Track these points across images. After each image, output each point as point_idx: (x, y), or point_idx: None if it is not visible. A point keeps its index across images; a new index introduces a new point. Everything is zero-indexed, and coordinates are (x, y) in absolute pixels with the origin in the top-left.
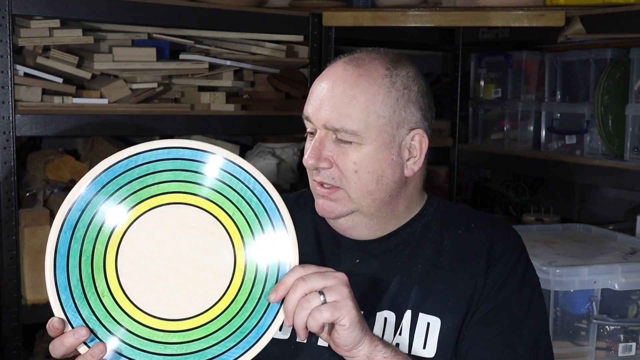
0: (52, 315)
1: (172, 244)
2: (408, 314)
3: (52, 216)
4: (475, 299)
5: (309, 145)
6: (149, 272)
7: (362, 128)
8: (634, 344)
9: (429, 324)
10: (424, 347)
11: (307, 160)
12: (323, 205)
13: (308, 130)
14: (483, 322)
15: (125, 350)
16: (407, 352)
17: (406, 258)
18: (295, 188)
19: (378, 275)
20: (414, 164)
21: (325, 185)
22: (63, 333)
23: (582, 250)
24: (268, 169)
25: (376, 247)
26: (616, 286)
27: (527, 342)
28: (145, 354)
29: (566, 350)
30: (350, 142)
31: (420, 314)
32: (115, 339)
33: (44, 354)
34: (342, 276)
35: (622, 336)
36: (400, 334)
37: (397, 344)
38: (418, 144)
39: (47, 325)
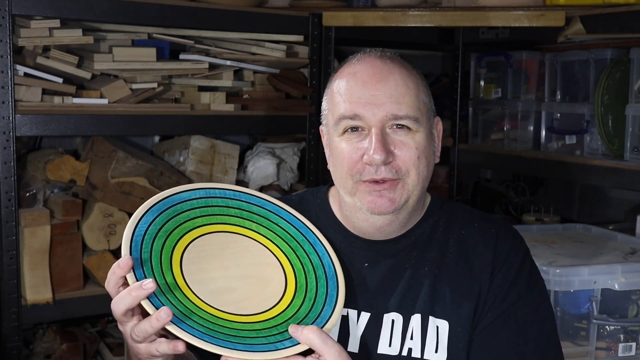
0: (52, 315)
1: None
2: (417, 318)
3: (52, 216)
4: (481, 303)
5: (356, 144)
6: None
7: (419, 115)
8: (634, 344)
9: (438, 327)
10: (436, 351)
11: (373, 156)
12: (382, 202)
13: (349, 126)
14: (491, 329)
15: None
16: (419, 356)
17: (414, 260)
18: (295, 188)
19: (386, 277)
20: (437, 150)
21: (384, 180)
22: (125, 284)
23: (582, 250)
24: (268, 169)
25: (386, 249)
26: (616, 286)
27: (535, 347)
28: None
29: (566, 350)
30: (409, 129)
31: (430, 318)
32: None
33: (44, 354)
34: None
35: (622, 336)
36: (411, 338)
37: (410, 349)
38: (437, 130)
39: (112, 267)
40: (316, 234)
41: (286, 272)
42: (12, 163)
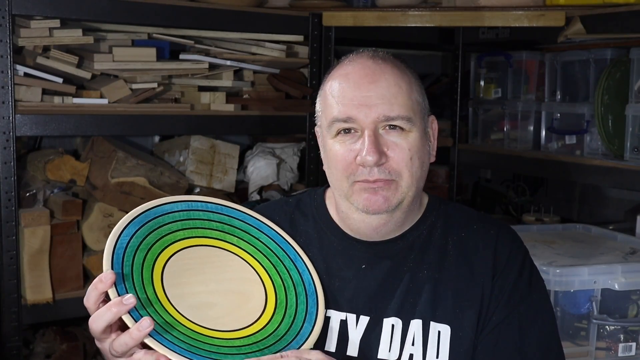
0: (52, 315)
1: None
2: (418, 323)
3: (52, 216)
4: (484, 307)
5: (349, 146)
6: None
7: (412, 114)
8: (634, 344)
9: (439, 332)
10: (437, 356)
11: (366, 158)
12: (376, 199)
13: (342, 128)
14: (495, 332)
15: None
16: None
17: (412, 263)
18: (295, 188)
19: (384, 280)
20: (432, 149)
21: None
22: (105, 299)
23: (582, 250)
24: (268, 169)
25: (383, 250)
26: (616, 286)
27: (537, 347)
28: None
29: (566, 350)
30: (402, 130)
31: (432, 323)
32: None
33: (44, 354)
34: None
35: (622, 336)
36: (412, 343)
37: (411, 354)
38: (432, 129)
39: (93, 282)
40: (296, 249)
41: (266, 288)
42: (12, 163)
